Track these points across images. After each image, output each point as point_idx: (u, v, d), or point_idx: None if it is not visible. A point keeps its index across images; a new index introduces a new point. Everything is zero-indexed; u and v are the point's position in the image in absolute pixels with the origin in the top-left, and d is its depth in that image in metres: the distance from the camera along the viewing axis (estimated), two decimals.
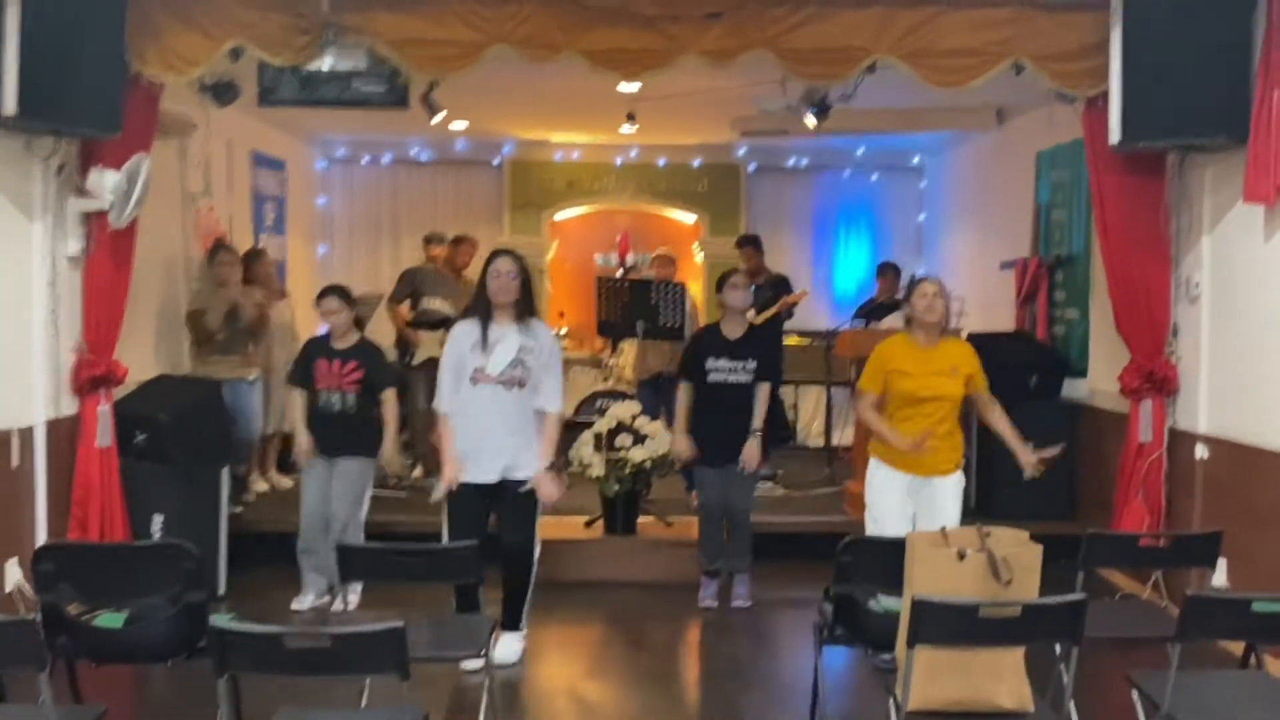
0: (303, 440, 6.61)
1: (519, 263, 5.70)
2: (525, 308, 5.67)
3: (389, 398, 6.69)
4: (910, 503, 5.62)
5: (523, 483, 5.62)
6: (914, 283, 5.79)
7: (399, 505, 8.14)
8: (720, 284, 6.90)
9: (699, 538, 7.03)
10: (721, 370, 6.71)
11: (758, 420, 6.71)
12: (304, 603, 6.68)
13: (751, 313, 9.36)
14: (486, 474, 5.60)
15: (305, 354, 6.77)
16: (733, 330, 6.82)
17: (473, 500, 5.65)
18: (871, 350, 8.16)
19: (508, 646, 5.82)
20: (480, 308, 5.67)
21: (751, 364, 6.72)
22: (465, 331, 5.68)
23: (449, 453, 5.67)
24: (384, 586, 6.31)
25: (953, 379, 5.60)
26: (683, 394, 6.89)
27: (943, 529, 4.13)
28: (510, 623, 5.88)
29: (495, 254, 5.76)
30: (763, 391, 6.76)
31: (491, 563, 5.48)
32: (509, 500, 5.68)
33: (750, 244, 9.81)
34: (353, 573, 4.68)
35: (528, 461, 5.64)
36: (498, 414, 5.57)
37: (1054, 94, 6.75)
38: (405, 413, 9.01)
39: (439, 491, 5.73)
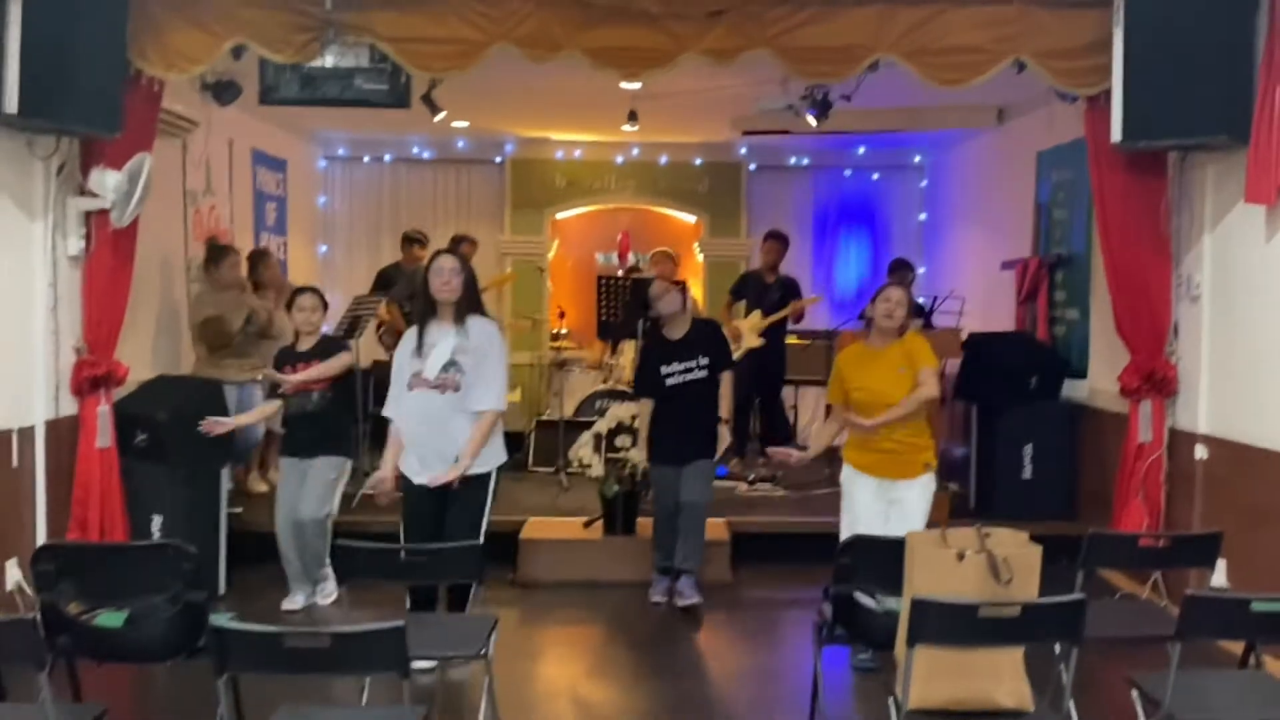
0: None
1: (461, 261, 5.63)
2: (467, 307, 5.56)
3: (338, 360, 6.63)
4: (880, 505, 5.68)
5: (467, 480, 5.50)
6: (880, 288, 5.87)
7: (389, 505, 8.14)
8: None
9: (652, 536, 7.02)
10: (676, 373, 6.73)
11: (724, 411, 6.82)
12: (295, 603, 6.68)
13: (757, 315, 9.43)
14: (430, 476, 5.51)
15: (275, 365, 6.70)
16: (673, 332, 6.85)
17: (421, 503, 5.57)
18: None
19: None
20: (421, 309, 5.61)
21: (704, 359, 6.73)
22: (408, 337, 5.64)
23: (385, 455, 5.66)
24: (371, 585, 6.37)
25: (901, 379, 5.63)
26: (644, 409, 6.94)
27: (941, 530, 4.12)
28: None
29: (437, 254, 5.71)
30: (725, 381, 6.84)
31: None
32: (451, 505, 5.57)
33: (779, 239, 9.81)
34: (353, 572, 4.68)
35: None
36: (432, 418, 5.50)
37: (1055, 93, 6.75)
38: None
39: (368, 488, 5.75)
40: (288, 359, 6.64)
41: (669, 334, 6.85)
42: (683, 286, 8.11)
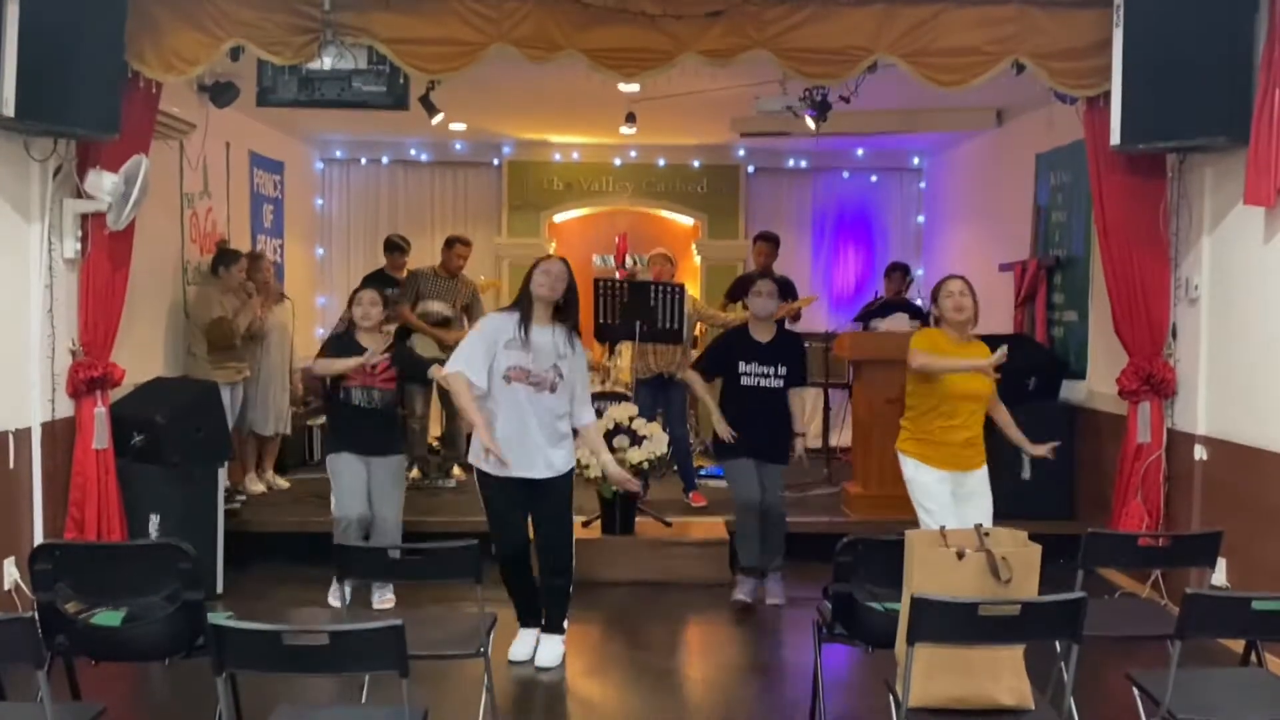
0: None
1: (569, 270, 5.73)
2: (566, 315, 5.68)
3: (436, 371, 6.53)
4: (947, 496, 5.73)
5: (556, 478, 5.65)
6: (940, 282, 5.85)
7: (439, 504, 8.19)
8: (744, 290, 6.97)
9: (736, 534, 7.00)
10: (753, 374, 6.81)
11: (799, 425, 6.96)
12: (336, 598, 6.61)
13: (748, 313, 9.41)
14: (525, 470, 5.58)
15: (334, 351, 6.60)
16: (762, 335, 6.91)
17: (513, 494, 5.63)
18: (868, 351, 8.23)
19: (551, 650, 5.88)
20: (523, 304, 5.65)
21: (783, 370, 6.82)
22: (502, 324, 5.64)
23: (478, 422, 5.52)
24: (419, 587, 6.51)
25: (986, 378, 5.71)
26: (699, 380, 7.03)
27: (941, 528, 4.12)
28: (552, 625, 5.94)
29: (549, 257, 5.82)
30: (798, 397, 6.97)
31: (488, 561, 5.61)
32: (543, 500, 5.68)
33: (770, 240, 9.81)
34: (352, 572, 4.67)
35: (559, 459, 5.67)
36: (533, 414, 5.56)
37: (1054, 94, 6.76)
38: (404, 415, 9.05)
39: (475, 456, 5.69)
40: (353, 351, 6.51)
41: (757, 335, 6.91)
42: (680, 288, 8.14)
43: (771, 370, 6.82)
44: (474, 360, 5.56)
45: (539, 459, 5.59)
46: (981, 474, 5.84)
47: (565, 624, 6.01)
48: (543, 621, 5.95)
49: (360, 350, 6.48)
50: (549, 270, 5.65)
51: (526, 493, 5.64)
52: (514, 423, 5.55)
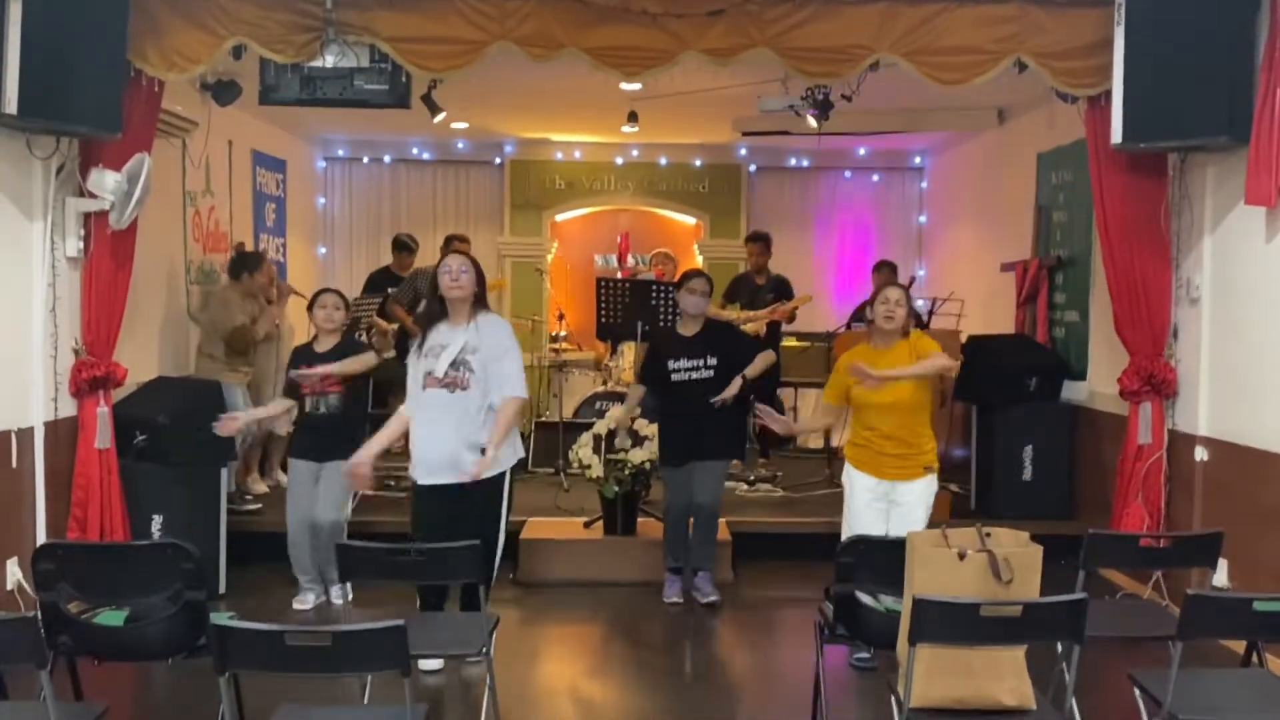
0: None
1: (470, 260, 5.63)
2: (477, 304, 5.57)
3: (362, 359, 6.65)
4: (880, 504, 5.68)
5: (478, 483, 5.43)
6: (878, 289, 5.85)
7: (397, 505, 8.15)
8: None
9: (664, 536, 7.02)
10: (683, 370, 6.72)
11: (751, 371, 6.71)
12: (306, 602, 6.68)
13: (737, 312, 9.40)
14: (437, 476, 5.48)
15: (291, 364, 6.69)
16: (688, 329, 6.83)
17: (430, 501, 5.54)
18: None
19: None
20: (431, 309, 5.63)
21: (712, 360, 6.70)
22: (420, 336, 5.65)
23: (373, 439, 5.63)
24: (380, 585, 6.35)
25: (902, 385, 5.58)
26: (633, 391, 7.04)
27: (943, 528, 4.12)
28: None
29: (443, 254, 5.76)
30: (760, 360, 6.76)
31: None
32: (465, 504, 5.47)
33: (759, 240, 9.81)
34: (354, 572, 4.67)
35: (472, 461, 5.46)
36: (442, 417, 5.47)
37: (1055, 93, 6.76)
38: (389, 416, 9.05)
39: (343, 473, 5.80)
40: (305, 358, 6.60)
41: (682, 330, 6.85)
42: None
43: (700, 362, 6.69)
44: (409, 396, 5.63)
45: (457, 462, 5.42)
46: (914, 487, 5.65)
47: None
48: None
49: (312, 355, 6.61)
50: (449, 267, 5.53)
51: (445, 499, 5.47)
52: (429, 427, 5.49)
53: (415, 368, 5.56)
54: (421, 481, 5.54)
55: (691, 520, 6.86)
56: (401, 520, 6.83)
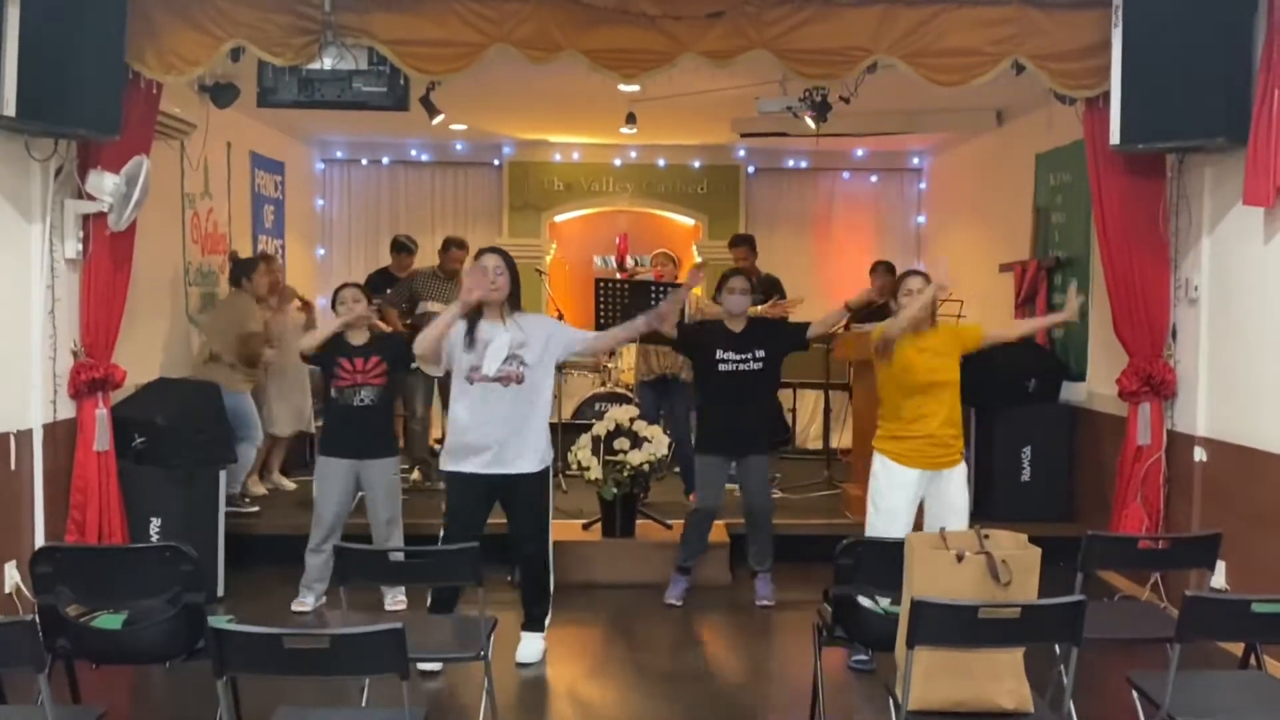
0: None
1: (505, 259, 5.68)
2: (514, 304, 5.67)
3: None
4: (917, 499, 5.67)
5: (526, 475, 5.61)
6: (900, 277, 5.87)
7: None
8: (718, 286, 6.93)
9: (684, 531, 7.03)
10: (730, 361, 6.74)
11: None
12: (306, 604, 6.64)
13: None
14: (491, 467, 5.57)
15: (329, 354, 6.56)
16: (735, 325, 6.86)
17: (472, 490, 5.61)
18: (868, 352, 8.14)
19: (530, 646, 5.90)
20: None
21: (760, 353, 6.75)
22: (458, 331, 5.64)
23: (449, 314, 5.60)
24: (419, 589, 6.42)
25: (949, 362, 5.68)
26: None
27: (941, 530, 4.12)
28: (534, 623, 5.95)
29: (481, 252, 5.77)
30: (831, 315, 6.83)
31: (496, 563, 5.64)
32: (518, 499, 5.68)
33: (744, 244, 9.84)
34: (349, 574, 4.66)
35: (529, 458, 5.62)
36: (496, 412, 5.54)
37: (1054, 95, 6.76)
38: (405, 415, 9.05)
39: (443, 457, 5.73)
40: (341, 350, 6.51)
41: (731, 327, 6.86)
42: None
43: (749, 355, 6.74)
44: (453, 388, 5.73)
45: (500, 455, 5.56)
46: (955, 473, 5.72)
47: (547, 621, 5.99)
48: (525, 620, 5.96)
49: (347, 347, 6.50)
50: (485, 267, 5.60)
51: (492, 490, 5.63)
52: (478, 419, 5.56)
53: (460, 360, 5.58)
54: (464, 470, 5.59)
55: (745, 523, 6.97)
56: (418, 522, 6.85)
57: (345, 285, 6.82)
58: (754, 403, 6.85)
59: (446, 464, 5.68)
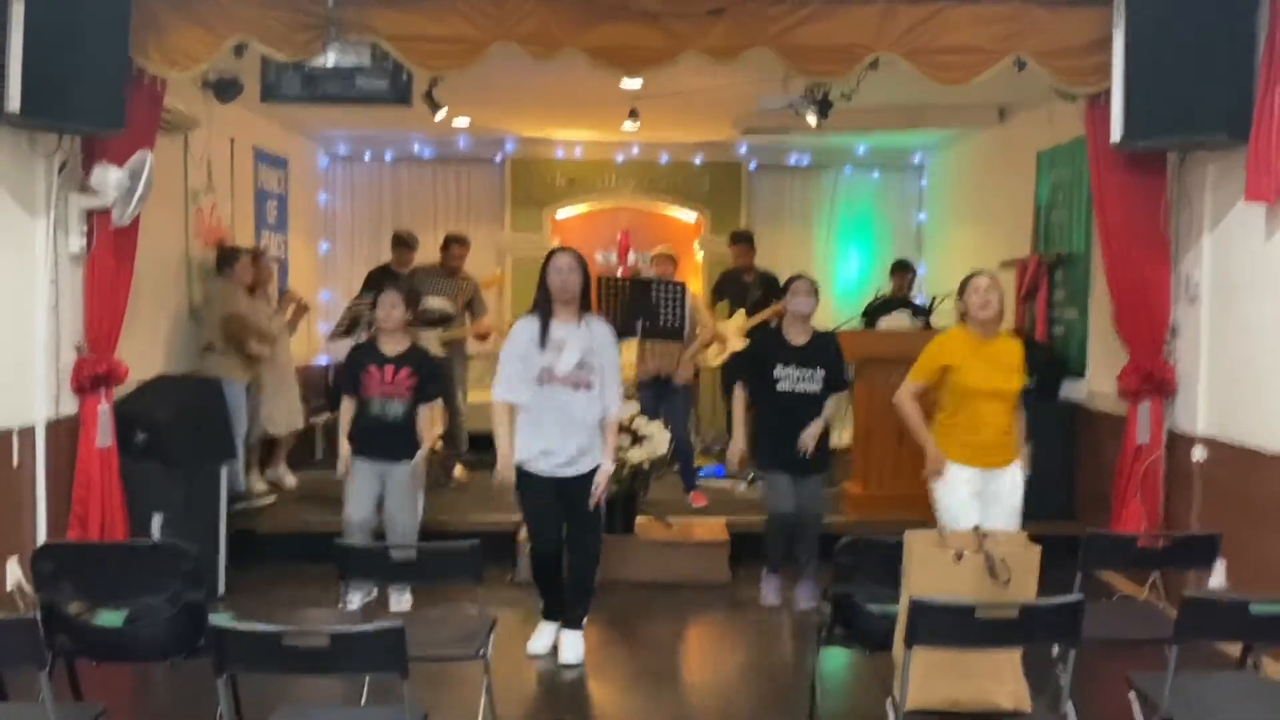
0: (345, 451, 6.52)
1: (578, 259, 5.73)
2: (585, 304, 5.74)
3: (439, 407, 6.72)
4: (971, 496, 5.66)
5: (587, 475, 5.71)
6: (967, 278, 5.82)
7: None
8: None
9: (766, 541, 6.95)
10: (790, 379, 6.69)
11: (823, 420, 6.74)
12: (353, 602, 6.51)
13: (741, 316, 9.41)
14: (563, 469, 5.67)
15: (353, 360, 6.62)
16: (797, 336, 6.80)
17: (548, 495, 5.72)
18: (869, 350, 8.20)
19: (573, 646, 5.94)
20: (541, 304, 5.70)
21: (821, 372, 6.71)
22: (525, 327, 5.70)
23: (504, 448, 5.68)
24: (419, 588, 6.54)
25: (1012, 375, 5.68)
26: (740, 394, 6.91)
27: (941, 529, 4.13)
28: (574, 621, 6.00)
29: (555, 251, 5.81)
30: (833, 401, 6.81)
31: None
32: (578, 500, 5.74)
33: (743, 241, 9.85)
34: (352, 573, 4.68)
35: (591, 457, 5.73)
36: (566, 414, 5.62)
37: (1055, 92, 6.75)
38: (448, 412, 9.06)
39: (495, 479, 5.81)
40: (372, 358, 6.54)
41: (791, 337, 6.79)
42: (682, 286, 8.14)
43: (810, 373, 6.69)
44: (513, 381, 5.69)
45: (572, 457, 5.67)
46: (1008, 473, 5.72)
47: (585, 621, 6.06)
48: (566, 618, 6.01)
49: (379, 355, 6.52)
50: (559, 267, 5.66)
51: (559, 491, 5.71)
52: (548, 422, 5.63)
53: (530, 361, 5.62)
54: (542, 472, 5.68)
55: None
56: (453, 520, 6.85)
57: (388, 288, 6.83)
58: (811, 421, 6.71)
59: (519, 457, 5.72)
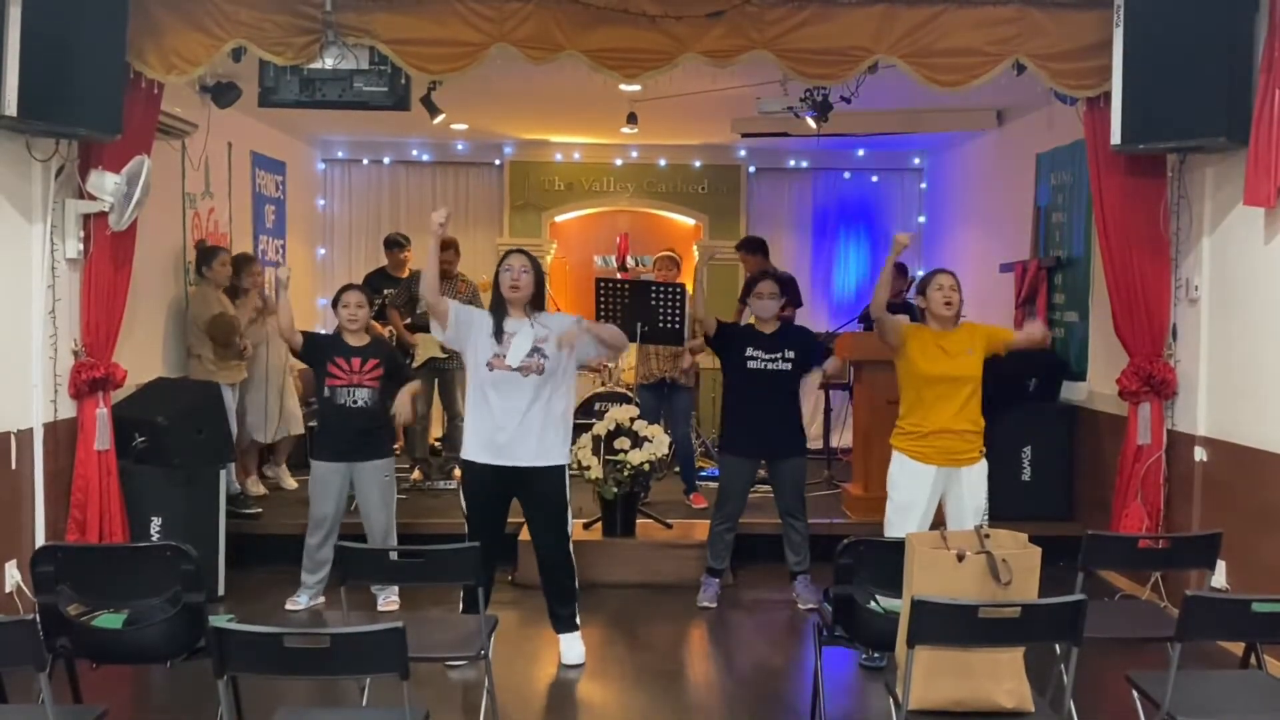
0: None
1: (531, 261, 5.77)
2: (537, 304, 5.75)
3: (414, 387, 6.78)
4: (936, 495, 5.70)
5: (540, 470, 5.64)
6: (929, 276, 5.87)
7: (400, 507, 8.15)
8: (745, 290, 6.98)
9: (710, 533, 7.01)
10: (760, 360, 6.76)
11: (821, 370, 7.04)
12: (299, 603, 6.65)
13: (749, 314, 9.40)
14: (508, 459, 5.62)
15: (325, 353, 6.62)
16: (765, 327, 6.90)
17: (492, 484, 5.67)
18: (868, 352, 8.20)
19: (572, 649, 5.95)
20: (495, 304, 5.74)
21: (790, 354, 6.78)
22: (482, 317, 5.74)
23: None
24: (419, 589, 6.54)
25: (971, 359, 5.73)
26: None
27: (941, 529, 4.12)
28: (566, 624, 5.99)
29: (509, 253, 5.86)
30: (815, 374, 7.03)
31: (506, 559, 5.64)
32: (532, 495, 5.72)
33: (746, 249, 9.83)
34: (353, 574, 4.67)
35: (549, 449, 5.67)
36: (517, 401, 5.60)
37: (1054, 95, 6.76)
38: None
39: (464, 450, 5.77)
40: (339, 350, 6.58)
41: (760, 329, 6.90)
42: (681, 289, 8.14)
43: (779, 355, 6.77)
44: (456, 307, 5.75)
45: (526, 446, 5.61)
46: (974, 469, 5.79)
47: (578, 620, 6.03)
48: (554, 624, 5.99)
49: (344, 347, 6.57)
50: (510, 267, 5.72)
51: (505, 484, 5.67)
52: (494, 408, 5.61)
53: (481, 349, 5.64)
54: (482, 460, 5.64)
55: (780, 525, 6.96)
56: (453, 521, 6.85)
57: (348, 287, 6.84)
58: (781, 403, 6.83)
59: (464, 453, 5.74)
